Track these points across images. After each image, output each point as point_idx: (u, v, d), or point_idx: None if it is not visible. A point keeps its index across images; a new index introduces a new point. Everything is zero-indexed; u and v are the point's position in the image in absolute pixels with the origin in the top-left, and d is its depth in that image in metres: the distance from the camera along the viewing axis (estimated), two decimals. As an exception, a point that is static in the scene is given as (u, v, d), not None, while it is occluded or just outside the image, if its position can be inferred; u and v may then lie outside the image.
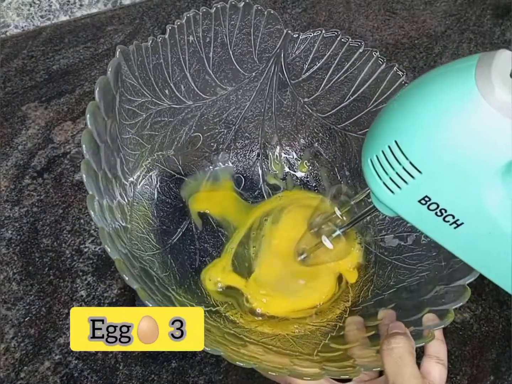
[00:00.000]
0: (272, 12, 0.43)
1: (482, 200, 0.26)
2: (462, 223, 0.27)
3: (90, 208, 0.29)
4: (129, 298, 0.44)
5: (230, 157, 0.49)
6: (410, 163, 0.26)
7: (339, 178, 0.49)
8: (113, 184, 0.35)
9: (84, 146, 0.30)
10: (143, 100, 0.39)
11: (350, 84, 0.46)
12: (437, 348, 0.33)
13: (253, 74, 0.46)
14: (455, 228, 0.28)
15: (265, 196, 0.49)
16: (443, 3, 0.75)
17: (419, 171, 0.26)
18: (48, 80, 0.55)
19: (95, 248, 0.46)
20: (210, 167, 0.48)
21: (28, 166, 0.49)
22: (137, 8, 0.64)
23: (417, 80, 0.27)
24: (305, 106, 0.48)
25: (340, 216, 0.37)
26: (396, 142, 0.26)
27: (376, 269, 0.44)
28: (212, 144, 0.48)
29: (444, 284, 0.36)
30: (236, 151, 0.49)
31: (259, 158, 0.50)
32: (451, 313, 0.33)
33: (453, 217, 0.27)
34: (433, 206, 0.27)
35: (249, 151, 0.50)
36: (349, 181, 0.48)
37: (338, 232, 0.37)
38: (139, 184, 0.41)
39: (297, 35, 0.45)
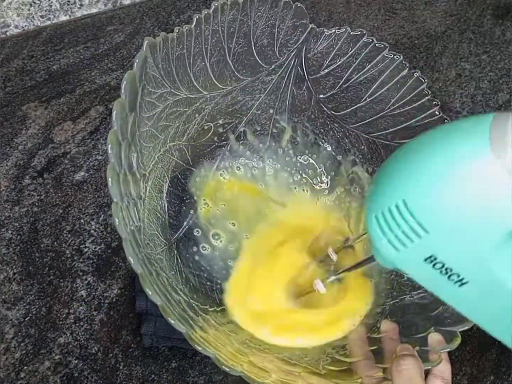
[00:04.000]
0: (299, 5, 0.43)
1: (488, 262, 0.26)
2: (467, 282, 0.27)
3: (115, 216, 0.29)
4: (130, 298, 0.44)
5: (239, 148, 0.49)
6: (418, 222, 0.25)
7: (346, 177, 0.49)
8: (130, 182, 0.34)
9: (109, 146, 0.29)
10: (162, 91, 0.39)
11: (368, 85, 0.46)
12: (443, 367, 0.33)
13: (272, 66, 0.46)
14: (459, 286, 0.27)
15: None
16: (443, 3, 0.75)
17: (426, 231, 0.25)
18: (48, 80, 0.55)
19: (95, 248, 0.46)
20: (219, 157, 0.48)
21: (28, 166, 0.49)
22: (137, 8, 0.64)
23: (426, 134, 0.26)
24: (320, 102, 0.48)
25: (333, 259, 0.36)
26: (403, 201, 0.25)
27: (379, 277, 0.44)
28: (222, 134, 0.48)
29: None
30: (245, 142, 0.49)
31: (268, 151, 0.50)
32: (458, 336, 0.33)
33: (458, 276, 0.27)
34: (438, 265, 0.26)
35: (258, 144, 0.50)
36: (353, 184, 0.48)
37: (333, 277, 0.37)
38: (151, 177, 0.40)
39: (321, 30, 0.45)
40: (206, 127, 0.46)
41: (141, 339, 0.42)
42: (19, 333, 0.41)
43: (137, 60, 0.33)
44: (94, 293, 0.44)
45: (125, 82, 0.31)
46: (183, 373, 0.42)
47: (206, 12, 0.39)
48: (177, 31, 0.37)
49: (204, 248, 0.44)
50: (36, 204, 0.48)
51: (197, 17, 0.39)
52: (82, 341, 0.42)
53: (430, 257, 0.26)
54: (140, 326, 0.42)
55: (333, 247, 0.37)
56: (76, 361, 0.41)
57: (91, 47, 0.59)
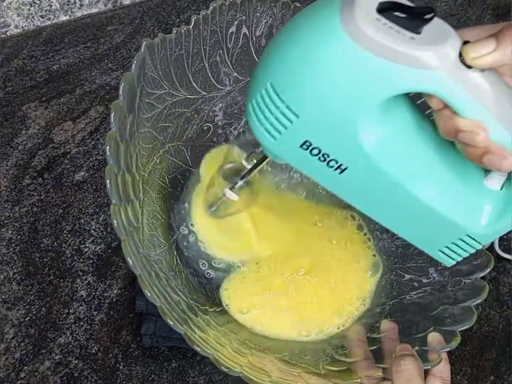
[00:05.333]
0: (298, 5, 0.43)
1: (361, 143, 0.26)
2: (346, 168, 0.27)
3: (114, 218, 0.29)
4: (129, 298, 0.44)
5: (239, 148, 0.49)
6: (287, 106, 0.25)
7: None
8: (129, 184, 0.34)
9: (108, 148, 0.29)
10: (161, 92, 0.39)
11: None
12: (442, 367, 0.33)
13: None
14: (340, 173, 0.27)
15: None
16: (443, 3, 0.75)
17: (296, 115, 0.25)
18: (48, 80, 0.55)
19: (95, 248, 0.46)
20: None
21: (28, 166, 0.49)
22: (137, 8, 0.64)
23: (290, 20, 0.26)
24: None
25: (247, 167, 0.36)
26: (271, 84, 0.25)
27: (378, 277, 0.44)
28: (221, 135, 0.48)
29: (449, 304, 0.36)
30: (245, 143, 0.49)
31: None
32: (457, 336, 0.33)
33: (336, 162, 0.27)
34: (315, 151, 0.26)
35: (257, 144, 0.49)
36: None
37: (240, 183, 0.37)
38: (150, 177, 0.40)
39: None
40: (205, 128, 0.46)
41: (141, 339, 0.42)
42: (19, 333, 0.41)
43: (135, 62, 0.33)
44: (94, 293, 0.44)
45: (123, 84, 0.31)
46: (183, 373, 0.42)
47: (204, 13, 0.39)
48: (175, 32, 0.37)
49: (217, 263, 0.44)
50: (36, 204, 0.48)
51: (195, 18, 0.39)
52: (82, 341, 0.42)
53: (305, 142, 0.26)
54: (140, 326, 0.42)
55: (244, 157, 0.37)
56: (76, 361, 0.41)
57: (91, 47, 0.59)
